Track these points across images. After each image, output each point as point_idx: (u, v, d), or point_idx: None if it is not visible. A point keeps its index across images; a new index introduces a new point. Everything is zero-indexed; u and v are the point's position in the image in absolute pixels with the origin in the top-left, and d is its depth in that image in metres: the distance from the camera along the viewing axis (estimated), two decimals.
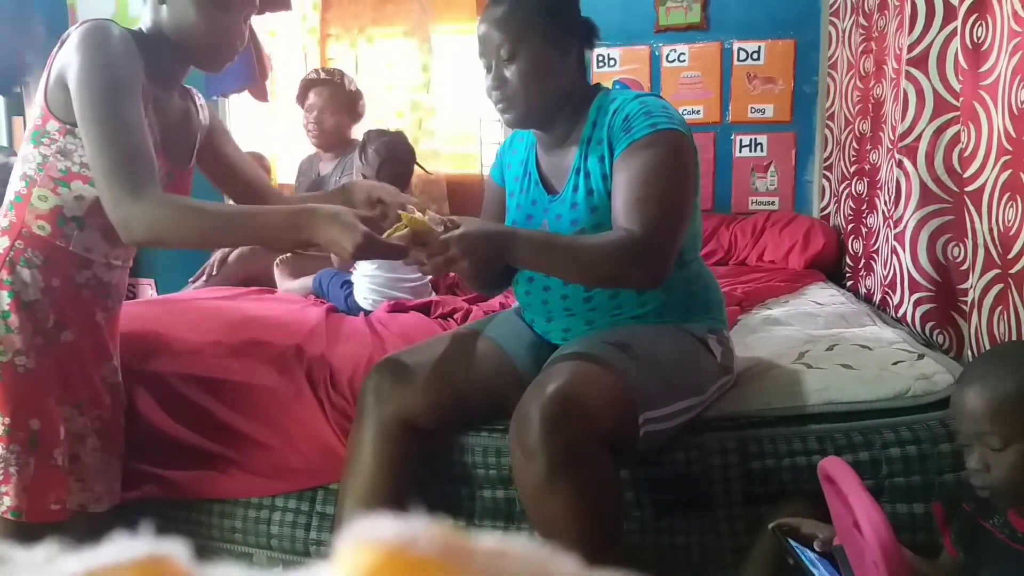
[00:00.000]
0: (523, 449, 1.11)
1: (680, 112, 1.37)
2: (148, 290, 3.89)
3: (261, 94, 3.21)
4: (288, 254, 2.34)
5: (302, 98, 2.70)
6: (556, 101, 1.35)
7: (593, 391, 1.15)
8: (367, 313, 1.93)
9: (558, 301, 1.39)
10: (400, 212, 1.22)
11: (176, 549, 0.18)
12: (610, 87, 1.42)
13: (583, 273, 1.24)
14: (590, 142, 1.35)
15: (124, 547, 0.18)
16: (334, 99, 2.66)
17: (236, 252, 2.45)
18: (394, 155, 2.05)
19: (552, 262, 1.23)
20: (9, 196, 1.28)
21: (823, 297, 2.22)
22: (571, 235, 1.30)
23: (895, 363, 1.48)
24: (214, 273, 2.43)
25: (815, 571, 1.07)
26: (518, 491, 1.16)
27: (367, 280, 2.02)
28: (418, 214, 1.18)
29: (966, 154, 1.62)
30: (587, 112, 1.37)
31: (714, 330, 1.40)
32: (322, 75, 2.72)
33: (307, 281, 2.21)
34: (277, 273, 2.32)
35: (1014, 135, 1.41)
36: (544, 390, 1.12)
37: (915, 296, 1.84)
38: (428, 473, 1.40)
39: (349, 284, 2.05)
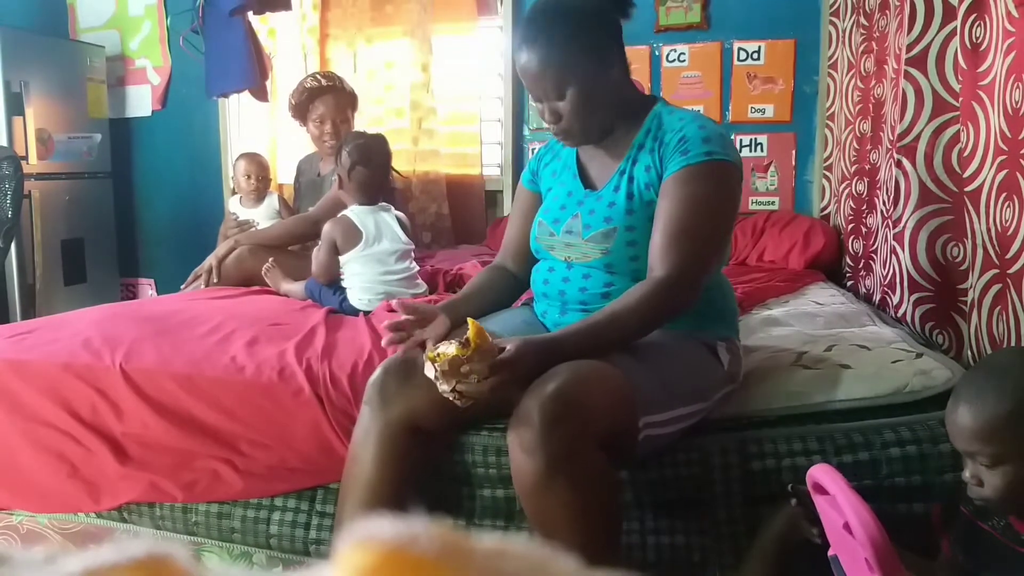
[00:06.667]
0: (522, 447, 1.11)
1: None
2: (148, 290, 3.90)
3: (261, 94, 3.21)
4: (271, 259, 2.29)
5: (304, 107, 2.64)
6: (612, 117, 1.37)
7: (595, 392, 1.15)
8: (366, 314, 1.93)
9: (576, 294, 1.38)
10: (429, 350, 1.14)
11: (176, 549, 0.18)
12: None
13: (631, 337, 1.26)
14: (642, 148, 1.36)
15: (124, 547, 0.18)
16: (340, 103, 2.64)
17: (235, 253, 2.43)
18: (365, 159, 2.06)
19: (599, 344, 1.22)
20: None
21: (823, 297, 2.22)
22: (601, 308, 1.27)
23: (894, 362, 1.48)
24: (215, 280, 2.39)
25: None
26: (516, 489, 1.16)
27: (356, 279, 2.02)
28: (442, 348, 1.11)
29: (965, 154, 1.62)
30: (643, 120, 1.38)
31: (724, 337, 1.40)
32: (323, 81, 2.65)
33: (303, 285, 2.20)
34: (269, 278, 2.26)
35: (1009, 135, 1.41)
36: (545, 388, 1.11)
37: (915, 296, 1.84)
38: (429, 473, 1.40)
39: (341, 289, 2.05)
